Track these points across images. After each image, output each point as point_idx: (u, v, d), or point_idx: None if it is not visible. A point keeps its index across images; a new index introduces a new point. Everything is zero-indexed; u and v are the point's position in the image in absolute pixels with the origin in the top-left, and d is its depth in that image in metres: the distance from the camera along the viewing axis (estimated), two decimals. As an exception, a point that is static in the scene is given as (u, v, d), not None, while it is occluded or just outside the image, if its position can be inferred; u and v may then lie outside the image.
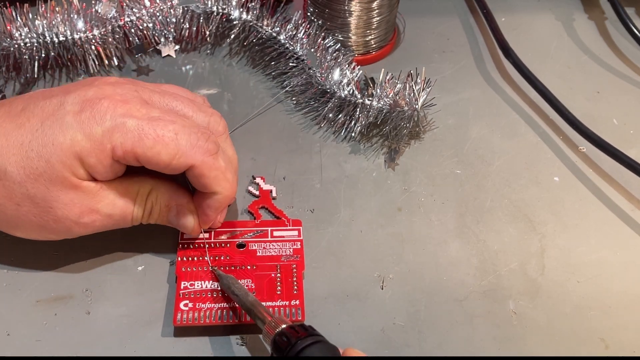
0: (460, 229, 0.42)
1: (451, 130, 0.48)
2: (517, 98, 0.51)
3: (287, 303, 0.37)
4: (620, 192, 0.45)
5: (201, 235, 0.39)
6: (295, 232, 0.40)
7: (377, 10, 0.50)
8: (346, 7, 0.49)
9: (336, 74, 0.47)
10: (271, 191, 0.43)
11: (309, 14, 0.52)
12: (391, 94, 0.45)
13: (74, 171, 0.34)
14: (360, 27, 0.50)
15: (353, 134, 0.47)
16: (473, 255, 0.41)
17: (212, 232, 0.40)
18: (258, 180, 0.44)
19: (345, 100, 0.46)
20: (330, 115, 0.47)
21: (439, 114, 0.50)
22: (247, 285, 0.37)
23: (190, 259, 0.38)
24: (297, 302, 0.37)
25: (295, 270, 0.38)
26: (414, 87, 0.45)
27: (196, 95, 0.41)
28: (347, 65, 0.47)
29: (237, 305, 0.36)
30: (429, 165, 0.46)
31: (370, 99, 0.45)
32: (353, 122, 0.46)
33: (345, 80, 0.46)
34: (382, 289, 0.39)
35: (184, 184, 0.38)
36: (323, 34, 0.49)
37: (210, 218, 0.38)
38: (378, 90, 0.45)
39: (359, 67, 0.48)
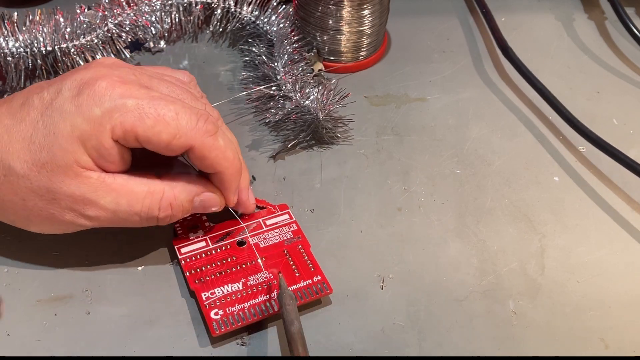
0: (460, 229, 0.42)
1: (451, 130, 0.48)
2: (517, 98, 0.51)
3: (310, 281, 0.37)
4: (620, 193, 0.45)
5: (197, 245, 0.39)
6: (286, 216, 0.41)
7: (368, 17, 0.50)
8: (335, 15, 0.49)
9: (283, 62, 0.47)
10: None
11: (296, 21, 0.52)
12: (310, 97, 0.46)
13: (77, 158, 0.34)
14: (351, 33, 0.50)
15: (266, 121, 0.47)
16: (473, 255, 0.41)
17: (208, 239, 0.39)
18: None
19: (279, 88, 0.47)
20: (260, 97, 0.48)
21: (439, 114, 0.50)
22: (266, 278, 0.38)
23: (198, 270, 0.38)
24: (319, 277, 0.37)
25: (302, 250, 0.39)
26: (318, 96, 0.45)
27: (193, 86, 0.41)
28: (302, 61, 0.48)
29: (267, 298, 0.37)
30: (429, 165, 0.46)
31: (297, 95, 0.46)
32: (274, 110, 0.47)
33: (286, 69, 0.47)
34: (382, 289, 0.39)
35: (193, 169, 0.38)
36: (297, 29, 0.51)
37: (229, 199, 0.38)
38: (296, 87, 0.46)
39: (308, 62, 0.49)
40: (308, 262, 0.38)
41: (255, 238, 0.40)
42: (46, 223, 0.36)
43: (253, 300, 0.36)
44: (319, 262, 0.39)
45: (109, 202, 0.35)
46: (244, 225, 0.40)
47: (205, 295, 0.37)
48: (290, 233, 0.40)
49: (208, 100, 0.41)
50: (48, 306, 0.37)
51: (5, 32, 0.46)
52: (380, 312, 0.38)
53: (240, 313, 0.36)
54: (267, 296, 0.37)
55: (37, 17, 0.47)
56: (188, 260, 0.38)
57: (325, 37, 0.51)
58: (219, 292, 0.37)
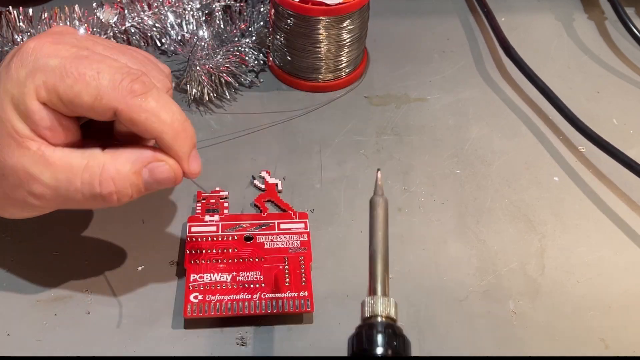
0: (460, 229, 0.42)
1: (451, 130, 0.48)
2: (517, 98, 0.51)
3: (295, 294, 0.37)
4: (620, 193, 0.45)
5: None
6: (302, 225, 0.41)
7: (346, 36, 0.49)
8: (314, 34, 0.48)
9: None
10: (277, 185, 0.43)
11: (274, 42, 0.51)
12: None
13: (13, 125, 0.32)
14: (330, 52, 0.49)
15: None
16: (473, 255, 0.41)
17: (220, 225, 0.40)
18: (263, 174, 0.44)
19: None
20: None
21: (439, 113, 0.50)
22: (255, 277, 0.38)
23: (197, 251, 0.38)
24: (306, 293, 0.37)
25: (302, 262, 0.39)
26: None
27: (160, 63, 0.38)
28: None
29: (248, 297, 0.37)
30: (429, 165, 0.46)
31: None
32: None
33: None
34: (382, 289, 0.39)
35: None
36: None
37: (183, 167, 0.35)
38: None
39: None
40: (303, 275, 0.38)
41: (263, 237, 0.40)
42: (5, 204, 0.35)
43: (234, 296, 0.37)
44: (320, 263, 0.39)
45: (48, 178, 0.33)
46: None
47: (193, 277, 0.37)
48: (298, 242, 0.40)
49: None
50: (48, 306, 0.37)
51: (22, 29, 0.47)
52: (380, 312, 0.38)
53: (217, 304, 0.36)
54: (249, 296, 0.37)
55: (52, 14, 0.48)
56: (193, 239, 0.39)
57: (303, 57, 0.50)
58: (206, 278, 0.37)
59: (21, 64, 0.32)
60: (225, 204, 0.41)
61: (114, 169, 0.33)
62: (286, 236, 0.40)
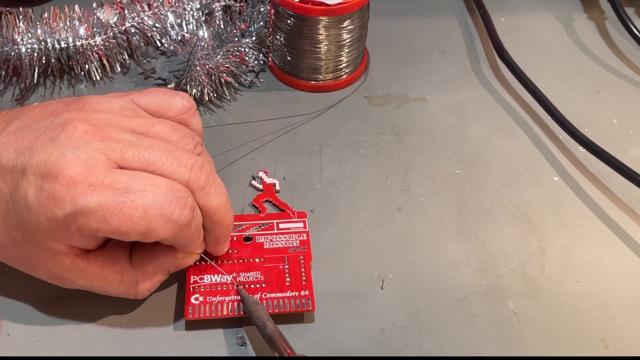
0: (460, 229, 0.42)
1: (451, 130, 0.48)
2: (518, 98, 0.51)
3: (296, 294, 0.37)
4: (620, 192, 0.45)
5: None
6: (301, 224, 0.41)
7: (346, 36, 0.49)
8: (314, 34, 0.48)
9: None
10: (275, 184, 0.43)
11: (273, 42, 0.51)
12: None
13: (49, 246, 0.33)
14: (330, 52, 0.49)
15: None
16: (473, 255, 0.41)
17: None
18: (261, 174, 0.44)
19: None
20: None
21: (439, 114, 0.50)
22: (256, 278, 0.38)
23: None
24: (307, 292, 0.37)
25: (302, 261, 0.39)
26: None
27: (183, 131, 0.37)
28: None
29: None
30: (429, 165, 0.46)
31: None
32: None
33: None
34: (382, 289, 0.39)
35: None
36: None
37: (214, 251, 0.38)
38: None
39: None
40: (303, 274, 0.38)
41: (262, 237, 0.40)
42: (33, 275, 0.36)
43: (235, 296, 0.37)
44: (320, 263, 0.39)
45: (84, 283, 0.35)
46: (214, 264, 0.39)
47: (193, 278, 0.37)
48: (297, 241, 0.40)
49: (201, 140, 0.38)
50: (48, 306, 0.37)
51: (21, 29, 0.47)
52: (380, 312, 0.38)
53: (219, 305, 0.36)
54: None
55: (52, 15, 0.48)
56: None
57: (303, 57, 0.49)
58: (207, 280, 0.37)
59: (55, 204, 0.31)
60: None
61: (147, 281, 0.36)
62: (285, 236, 0.40)
